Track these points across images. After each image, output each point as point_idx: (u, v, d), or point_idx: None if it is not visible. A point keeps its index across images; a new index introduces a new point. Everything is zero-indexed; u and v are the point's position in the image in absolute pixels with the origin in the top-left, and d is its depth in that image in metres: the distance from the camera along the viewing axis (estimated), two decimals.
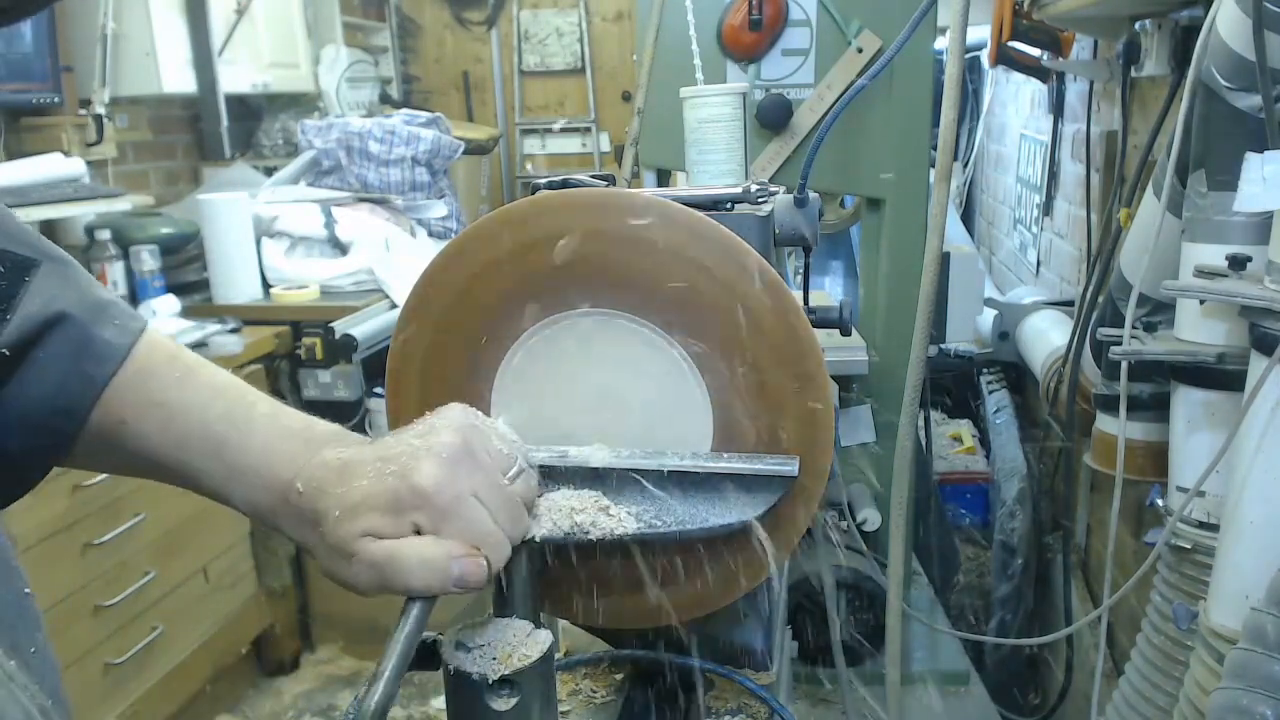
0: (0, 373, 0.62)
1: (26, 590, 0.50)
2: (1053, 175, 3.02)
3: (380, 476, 0.61)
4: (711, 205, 0.83)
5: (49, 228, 2.94)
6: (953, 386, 3.38)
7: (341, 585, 0.63)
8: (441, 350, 0.78)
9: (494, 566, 0.62)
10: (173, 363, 0.69)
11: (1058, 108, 2.93)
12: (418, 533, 0.61)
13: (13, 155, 2.94)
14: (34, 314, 0.63)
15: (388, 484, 0.61)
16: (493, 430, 0.67)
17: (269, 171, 3.81)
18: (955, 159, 2.21)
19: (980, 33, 2.84)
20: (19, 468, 0.66)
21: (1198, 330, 1.41)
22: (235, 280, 3.14)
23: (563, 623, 0.85)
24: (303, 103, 4.24)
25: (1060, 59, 2.53)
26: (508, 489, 0.64)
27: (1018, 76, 3.35)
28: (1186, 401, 1.44)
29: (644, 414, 0.76)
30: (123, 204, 2.94)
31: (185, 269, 3.22)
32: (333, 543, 0.62)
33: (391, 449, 0.63)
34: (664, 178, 2.03)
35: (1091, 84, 2.52)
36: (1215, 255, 1.31)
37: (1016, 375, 3.25)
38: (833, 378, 0.78)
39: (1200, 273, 1.32)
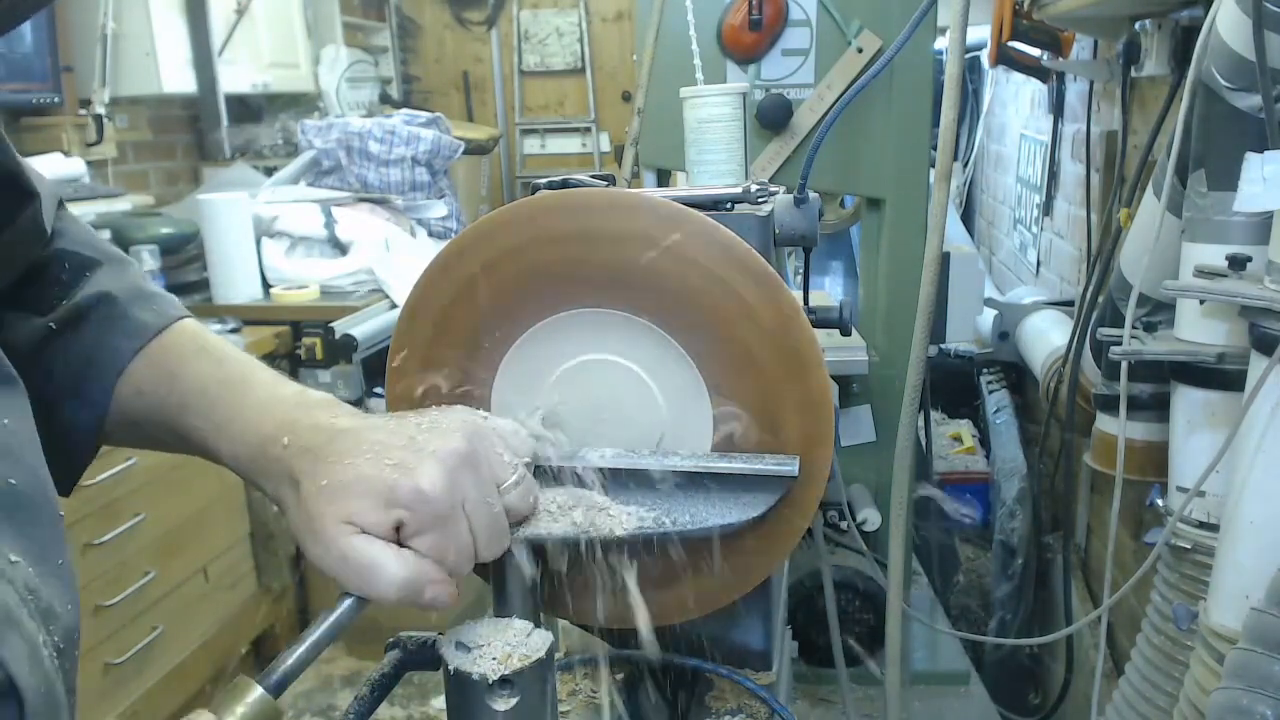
0: (53, 345, 0.70)
1: (60, 517, 0.54)
2: (1053, 175, 3.02)
3: (378, 463, 0.61)
4: (711, 205, 0.83)
5: None
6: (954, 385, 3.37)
7: (301, 550, 0.63)
8: (442, 349, 0.78)
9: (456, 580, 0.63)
10: (194, 340, 0.73)
11: (1058, 108, 2.92)
12: (398, 528, 0.61)
13: None
14: (86, 296, 0.71)
15: (385, 474, 0.61)
16: (496, 436, 0.67)
17: (269, 171, 3.81)
18: (955, 159, 2.21)
19: (980, 33, 2.84)
20: (69, 440, 0.70)
21: (1198, 330, 1.41)
22: (235, 280, 3.14)
23: (563, 623, 0.85)
24: (303, 103, 4.25)
25: (1060, 59, 2.53)
26: (496, 507, 0.64)
27: (1018, 76, 3.35)
28: (1186, 401, 1.44)
29: (644, 413, 0.76)
30: (123, 204, 2.95)
31: (185, 269, 3.21)
32: (310, 511, 0.62)
33: (393, 435, 0.63)
34: (664, 178, 2.03)
35: (1091, 84, 2.52)
36: (1215, 255, 1.31)
37: (1016, 375, 3.25)
38: (833, 378, 0.78)
39: (1200, 273, 1.32)
